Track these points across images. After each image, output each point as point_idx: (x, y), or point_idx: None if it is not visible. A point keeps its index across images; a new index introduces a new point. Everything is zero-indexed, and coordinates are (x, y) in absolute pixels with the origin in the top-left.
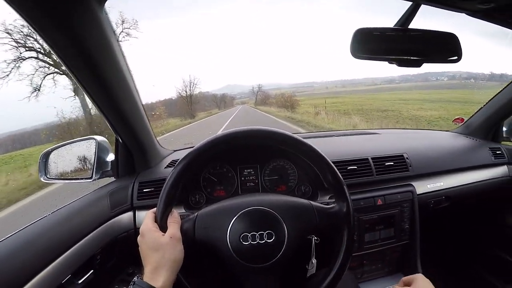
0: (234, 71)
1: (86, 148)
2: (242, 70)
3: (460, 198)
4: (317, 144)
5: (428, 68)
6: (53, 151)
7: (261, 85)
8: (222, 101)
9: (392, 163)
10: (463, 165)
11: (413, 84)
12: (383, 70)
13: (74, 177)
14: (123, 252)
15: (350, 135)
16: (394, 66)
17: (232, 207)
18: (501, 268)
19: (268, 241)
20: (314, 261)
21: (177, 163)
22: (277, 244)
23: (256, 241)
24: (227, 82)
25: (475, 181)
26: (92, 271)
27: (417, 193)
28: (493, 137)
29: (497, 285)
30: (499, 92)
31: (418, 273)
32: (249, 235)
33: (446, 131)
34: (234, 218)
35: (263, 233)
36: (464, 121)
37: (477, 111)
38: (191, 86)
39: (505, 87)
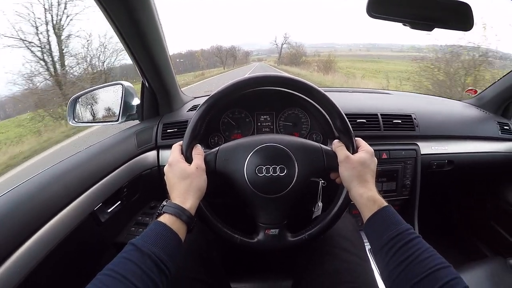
0: (251, 27)
1: (113, 93)
2: (259, 27)
3: (463, 165)
4: (330, 96)
5: (456, 39)
6: (81, 97)
7: (287, 35)
8: (231, 56)
9: (399, 121)
10: (469, 134)
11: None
12: (407, 36)
13: (101, 120)
14: (146, 187)
15: (363, 92)
16: (418, 32)
17: (250, 143)
18: (493, 239)
19: (280, 174)
20: (320, 204)
21: (203, 102)
22: (288, 178)
23: (269, 173)
24: (244, 40)
25: (478, 151)
26: (119, 202)
27: (421, 152)
28: (503, 112)
29: (486, 254)
30: None
31: (413, 228)
32: (264, 167)
33: (458, 100)
34: (252, 152)
35: (276, 167)
36: (477, 93)
37: (491, 85)
38: None
39: None
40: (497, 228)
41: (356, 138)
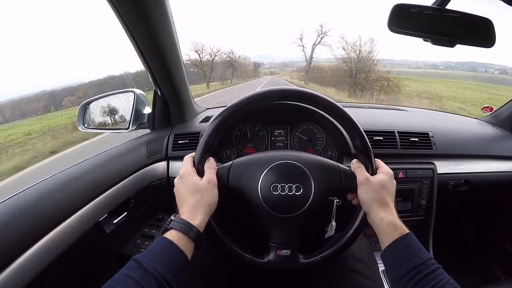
0: (261, 38)
1: (125, 100)
2: (271, 38)
3: (479, 185)
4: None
5: (471, 56)
6: (92, 102)
7: (325, 27)
8: (228, 67)
9: (417, 139)
10: (486, 153)
11: (460, 72)
12: (422, 52)
13: (111, 127)
14: (155, 199)
15: (379, 108)
16: (433, 48)
17: (266, 159)
18: (507, 262)
19: (296, 193)
20: (333, 223)
21: (218, 113)
22: (304, 197)
23: (285, 192)
24: (254, 52)
25: (495, 171)
26: (126, 213)
27: (438, 172)
28: None
29: (500, 277)
30: None
31: (428, 249)
32: (279, 185)
33: (474, 118)
34: (267, 169)
35: (292, 185)
36: (493, 110)
37: (507, 102)
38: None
39: None
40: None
41: (375, 159)
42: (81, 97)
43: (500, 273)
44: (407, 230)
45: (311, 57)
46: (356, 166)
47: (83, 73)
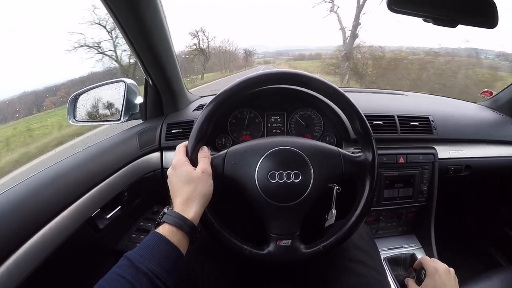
0: (257, 30)
1: (115, 90)
2: (266, 30)
3: (480, 170)
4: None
5: (470, 43)
6: (82, 94)
7: None
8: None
9: (417, 124)
10: (486, 138)
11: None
12: (419, 38)
13: (102, 119)
14: (149, 191)
15: (378, 93)
16: (431, 32)
17: (262, 146)
18: (508, 247)
19: (295, 181)
20: (334, 211)
21: (210, 100)
22: (303, 185)
23: (283, 180)
24: (250, 42)
25: (496, 155)
26: (119, 207)
27: (439, 157)
28: None
29: (501, 263)
30: None
31: (430, 235)
32: (277, 173)
33: (473, 102)
34: (264, 156)
35: (291, 173)
36: (493, 95)
37: (506, 87)
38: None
39: None
40: None
41: (423, 258)
42: (63, 96)
43: (502, 259)
44: None
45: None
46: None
47: (64, 71)
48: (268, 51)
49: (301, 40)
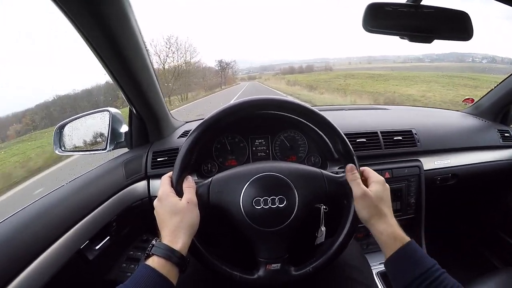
0: (239, 45)
1: (100, 120)
2: (249, 45)
3: (467, 177)
4: (328, 116)
5: (454, 47)
6: (68, 124)
7: None
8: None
9: (400, 138)
10: (471, 145)
11: (449, 64)
12: (401, 47)
13: (88, 149)
14: (138, 220)
15: (360, 109)
16: (414, 43)
17: (246, 173)
18: (503, 250)
19: (280, 206)
20: (323, 228)
21: (193, 129)
22: (288, 209)
23: (268, 205)
24: (234, 57)
25: (482, 161)
26: (108, 237)
27: (424, 168)
28: (502, 119)
29: (497, 266)
30: (510, 75)
31: (421, 245)
32: (262, 199)
33: (456, 110)
34: (248, 183)
35: (275, 198)
36: (474, 102)
37: (487, 93)
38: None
39: None
40: (506, 238)
41: (362, 168)
42: (28, 124)
43: (496, 262)
44: (407, 239)
45: None
46: (351, 178)
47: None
48: (252, 66)
49: (285, 55)
